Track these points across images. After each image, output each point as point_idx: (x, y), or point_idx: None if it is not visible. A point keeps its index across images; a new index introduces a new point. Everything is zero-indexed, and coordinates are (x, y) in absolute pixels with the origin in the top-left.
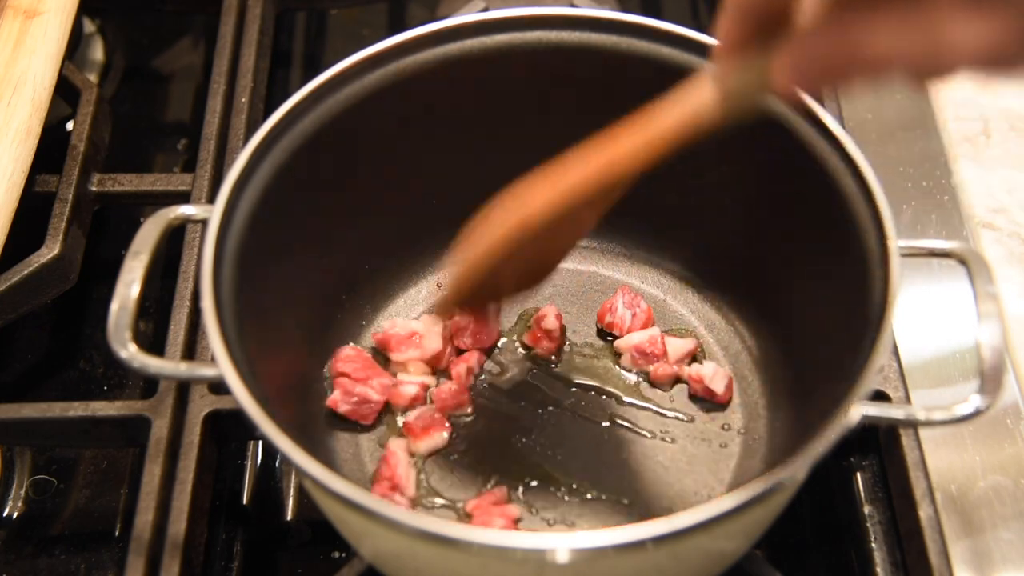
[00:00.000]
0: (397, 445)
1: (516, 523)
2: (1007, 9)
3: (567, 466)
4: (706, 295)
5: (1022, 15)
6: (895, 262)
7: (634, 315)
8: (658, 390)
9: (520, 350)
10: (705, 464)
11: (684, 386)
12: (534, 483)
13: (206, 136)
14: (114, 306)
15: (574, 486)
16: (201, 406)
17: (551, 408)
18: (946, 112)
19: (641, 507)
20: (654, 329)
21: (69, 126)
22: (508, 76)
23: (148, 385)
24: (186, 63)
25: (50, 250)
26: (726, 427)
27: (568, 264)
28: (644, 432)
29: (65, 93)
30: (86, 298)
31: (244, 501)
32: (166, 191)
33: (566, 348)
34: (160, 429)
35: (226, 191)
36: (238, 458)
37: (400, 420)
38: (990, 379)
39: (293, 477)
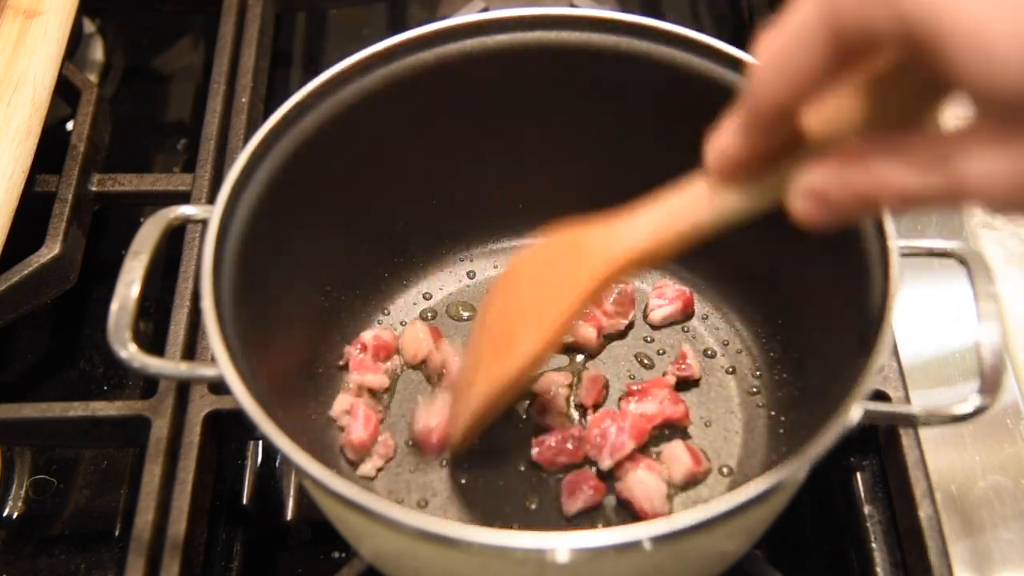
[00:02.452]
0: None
1: None
2: None
3: None
4: (706, 295)
5: None
6: (895, 262)
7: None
8: None
9: None
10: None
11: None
12: None
13: (206, 136)
14: (114, 306)
15: None
16: (201, 406)
17: None
18: (948, 111)
19: None
20: None
21: (69, 126)
22: (508, 76)
23: (148, 385)
24: (186, 63)
25: (50, 250)
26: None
27: None
28: None
29: (65, 93)
30: (86, 298)
31: (244, 501)
32: (166, 191)
33: None
34: (160, 429)
35: (226, 191)
36: (238, 458)
37: None
38: (990, 379)
39: (293, 477)
